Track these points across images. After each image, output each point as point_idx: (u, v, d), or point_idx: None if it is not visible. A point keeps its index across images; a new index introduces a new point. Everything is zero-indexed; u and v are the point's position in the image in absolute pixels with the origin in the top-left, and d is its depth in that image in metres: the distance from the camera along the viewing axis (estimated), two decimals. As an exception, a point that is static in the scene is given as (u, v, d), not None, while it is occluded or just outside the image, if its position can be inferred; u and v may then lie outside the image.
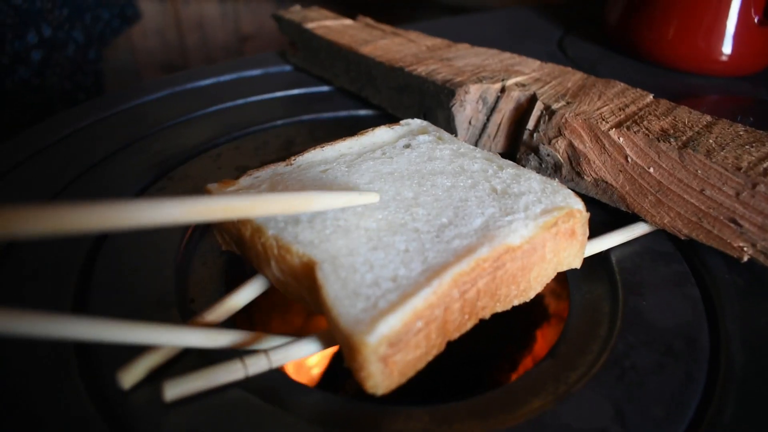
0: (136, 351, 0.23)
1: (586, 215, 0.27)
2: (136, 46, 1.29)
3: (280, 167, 0.30)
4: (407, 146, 0.32)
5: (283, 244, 0.25)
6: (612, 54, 0.62)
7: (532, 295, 0.26)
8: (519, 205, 0.27)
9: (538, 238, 0.25)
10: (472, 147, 0.32)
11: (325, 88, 0.49)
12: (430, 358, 0.23)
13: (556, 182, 0.28)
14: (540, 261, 0.26)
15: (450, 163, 0.30)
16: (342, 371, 0.44)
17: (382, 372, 0.21)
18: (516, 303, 0.26)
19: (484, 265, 0.23)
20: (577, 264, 0.28)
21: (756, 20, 0.53)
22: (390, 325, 0.21)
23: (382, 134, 0.34)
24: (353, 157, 0.31)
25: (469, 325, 0.24)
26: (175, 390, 0.22)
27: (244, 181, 0.29)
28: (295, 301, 0.26)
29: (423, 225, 0.26)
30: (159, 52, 1.32)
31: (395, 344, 0.21)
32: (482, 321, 0.25)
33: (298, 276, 0.25)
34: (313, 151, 0.32)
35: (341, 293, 0.22)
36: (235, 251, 0.29)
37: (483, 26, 0.68)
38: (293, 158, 0.31)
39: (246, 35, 1.35)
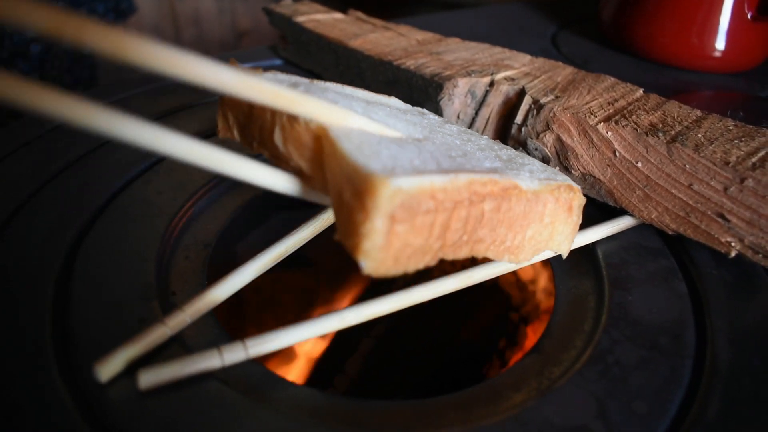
0: (115, 343, 0.23)
1: (583, 199, 0.27)
2: (132, 41, 1.29)
3: (302, 80, 0.30)
4: (421, 113, 0.32)
5: None
6: (606, 50, 0.61)
7: (521, 258, 0.26)
8: (524, 170, 0.26)
9: (542, 194, 0.25)
10: (477, 133, 0.31)
11: (315, 82, 0.48)
12: (422, 264, 0.22)
13: (556, 168, 0.28)
14: (539, 220, 0.25)
15: (459, 134, 0.30)
16: (331, 369, 0.44)
17: (383, 236, 0.20)
18: (506, 258, 0.25)
19: (494, 187, 0.23)
20: (564, 250, 0.27)
21: (749, 16, 0.53)
22: (409, 182, 0.20)
23: (396, 102, 0.33)
24: (370, 100, 0.30)
25: (463, 252, 0.23)
26: (149, 377, 0.22)
27: (267, 76, 0.29)
28: (289, 172, 0.25)
29: (435, 150, 0.25)
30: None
31: (406, 209, 0.20)
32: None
33: (302, 143, 0.24)
34: (334, 84, 0.31)
35: (356, 152, 0.21)
36: (233, 137, 0.28)
37: (477, 22, 0.68)
38: (314, 81, 0.31)
39: (243, 31, 1.35)
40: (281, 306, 0.56)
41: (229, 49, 1.33)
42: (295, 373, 0.46)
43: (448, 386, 0.25)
